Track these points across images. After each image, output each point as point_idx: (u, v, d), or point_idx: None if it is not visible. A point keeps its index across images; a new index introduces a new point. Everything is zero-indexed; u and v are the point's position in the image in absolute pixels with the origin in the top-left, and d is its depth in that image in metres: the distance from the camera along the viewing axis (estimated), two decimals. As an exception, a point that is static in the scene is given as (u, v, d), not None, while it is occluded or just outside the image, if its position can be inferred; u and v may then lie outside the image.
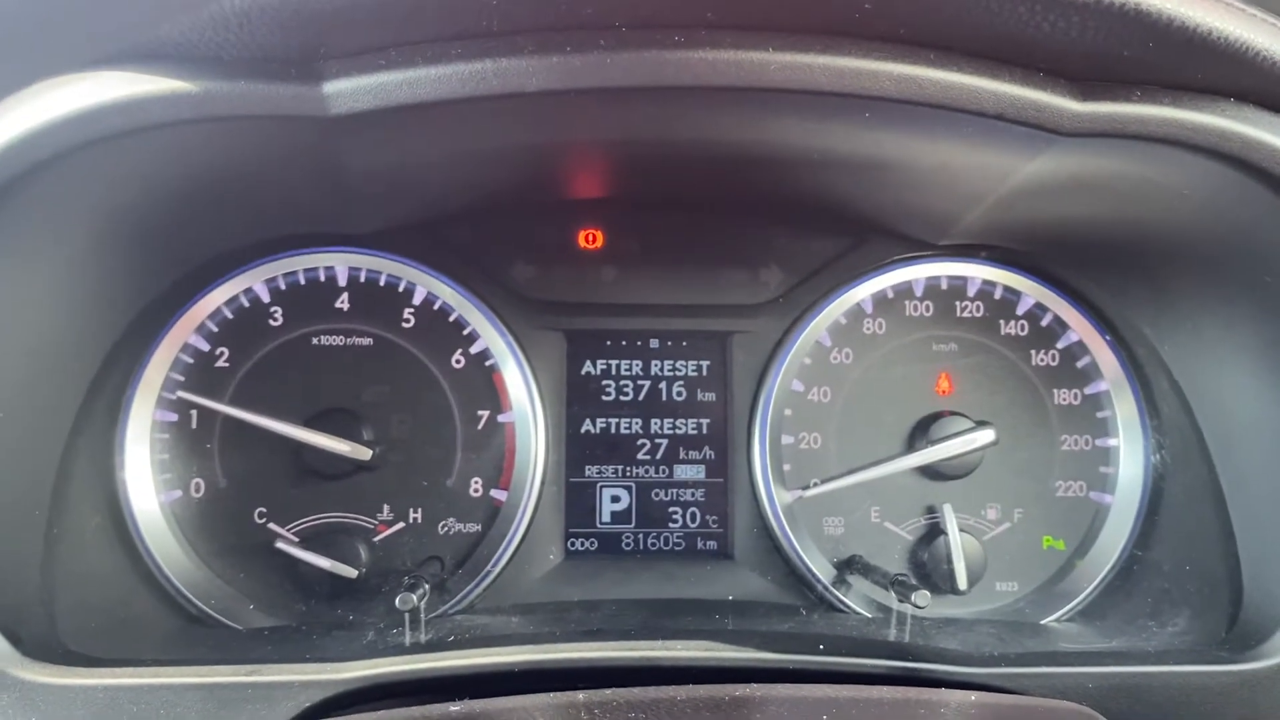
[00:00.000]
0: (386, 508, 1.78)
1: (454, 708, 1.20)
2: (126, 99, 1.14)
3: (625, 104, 1.22)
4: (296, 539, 1.75)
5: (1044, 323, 1.86)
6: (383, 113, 1.15)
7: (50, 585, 1.48)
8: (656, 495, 1.89)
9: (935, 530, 1.81)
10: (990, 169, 1.39)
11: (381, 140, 1.27)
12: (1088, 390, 1.85)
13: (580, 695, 1.21)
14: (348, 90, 1.15)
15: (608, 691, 1.22)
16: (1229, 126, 1.21)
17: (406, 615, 1.50)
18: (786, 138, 1.35)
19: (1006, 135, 1.23)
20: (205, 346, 1.77)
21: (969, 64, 1.17)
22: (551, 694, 1.23)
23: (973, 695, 1.27)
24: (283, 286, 1.79)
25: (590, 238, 1.86)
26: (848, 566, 1.80)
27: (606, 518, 1.87)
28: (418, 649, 1.42)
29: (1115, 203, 1.48)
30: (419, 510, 1.79)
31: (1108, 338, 1.83)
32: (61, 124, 1.15)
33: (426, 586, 1.54)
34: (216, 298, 1.76)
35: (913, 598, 1.54)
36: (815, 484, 1.81)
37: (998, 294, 1.86)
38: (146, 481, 1.72)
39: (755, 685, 1.25)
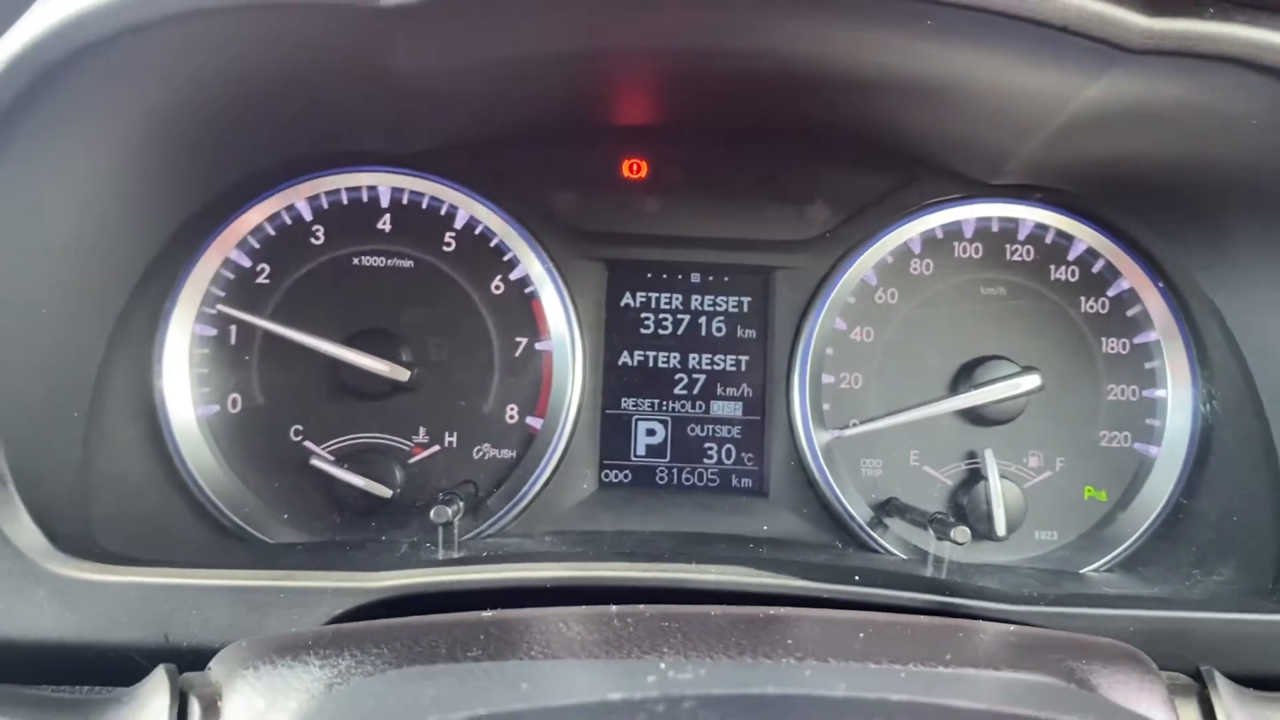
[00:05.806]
0: (422, 430, 1.78)
1: (486, 614, 1.18)
2: (175, -18, 1.13)
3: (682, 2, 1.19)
4: (332, 458, 1.75)
5: (1095, 269, 1.82)
6: (435, 3, 1.13)
7: (86, 488, 1.48)
8: (692, 430, 1.86)
9: (975, 476, 1.77)
10: (1050, 92, 1.34)
11: (432, 39, 1.25)
12: (1137, 339, 1.81)
13: (613, 607, 1.19)
14: (400, -22, 1.13)
15: (640, 606, 1.20)
16: (1306, 48, 1.17)
17: (440, 529, 1.49)
18: (842, 51, 1.31)
19: (1071, 51, 1.19)
20: (247, 262, 1.76)
21: (1037, -29, 1.13)
22: (584, 607, 1.21)
23: (1012, 626, 1.25)
24: (325, 205, 1.78)
25: (634, 167, 1.83)
26: (884, 508, 1.78)
27: (641, 450, 1.86)
28: (451, 563, 1.41)
29: (1176, 137, 1.43)
30: (454, 434, 1.78)
31: (1160, 285, 1.78)
32: (109, 7, 1.13)
33: (461, 503, 1.54)
34: (259, 214, 1.76)
35: (951, 534, 1.51)
36: (854, 424, 1.79)
37: (1049, 238, 1.82)
38: (185, 394, 1.73)
39: (790, 608, 1.23)
